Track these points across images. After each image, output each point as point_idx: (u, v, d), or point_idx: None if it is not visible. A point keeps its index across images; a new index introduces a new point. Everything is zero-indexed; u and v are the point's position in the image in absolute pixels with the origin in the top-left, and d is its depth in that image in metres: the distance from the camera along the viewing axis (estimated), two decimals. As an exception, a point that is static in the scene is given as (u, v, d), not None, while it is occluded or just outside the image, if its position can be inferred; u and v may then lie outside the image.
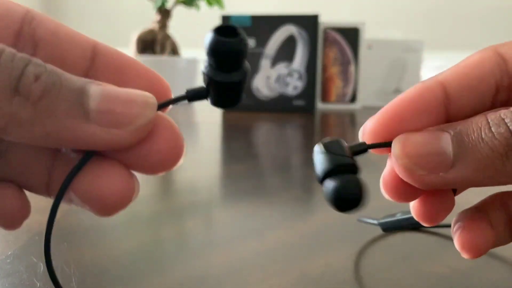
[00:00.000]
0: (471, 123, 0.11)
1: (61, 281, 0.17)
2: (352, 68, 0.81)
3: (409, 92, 0.13)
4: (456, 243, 0.14)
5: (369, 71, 0.86)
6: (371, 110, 0.62)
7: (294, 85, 0.77)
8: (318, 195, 0.28)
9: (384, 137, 0.13)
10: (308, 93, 0.77)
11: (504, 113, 0.11)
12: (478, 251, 0.13)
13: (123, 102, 0.10)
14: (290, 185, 0.31)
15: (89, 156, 0.12)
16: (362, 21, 0.81)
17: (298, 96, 0.77)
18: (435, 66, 1.22)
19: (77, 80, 0.10)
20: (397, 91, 0.86)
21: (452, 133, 0.11)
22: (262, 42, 0.76)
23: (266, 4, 2.46)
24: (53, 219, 0.13)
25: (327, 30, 0.80)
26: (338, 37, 0.80)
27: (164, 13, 0.89)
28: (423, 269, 0.18)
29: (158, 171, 0.12)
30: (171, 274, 0.18)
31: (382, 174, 0.14)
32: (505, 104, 0.12)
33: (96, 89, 0.10)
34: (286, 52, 0.76)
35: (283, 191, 0.29)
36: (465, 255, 0.14)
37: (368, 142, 0.13)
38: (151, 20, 0.90)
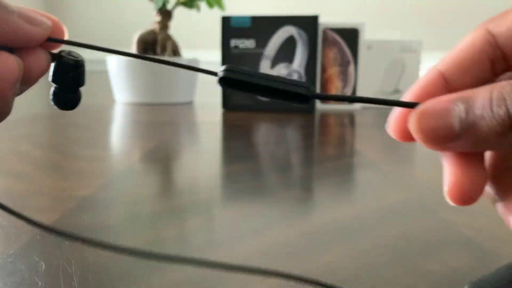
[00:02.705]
0: (479, 98, 0.13)
1: (62, 280, 0.17)
2: (351, 68, 0.81)
3: (413, 89, 0.15)
4: (449, 195, 0.15)
5: (369, 72, 0.86)
6: (371, 111, 0.62)
7: (294, 86, 0.77)
8: (317, 195, 0.28)
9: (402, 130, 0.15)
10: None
11: (506, 90, 0.12)
12: (471, 199, 0.15)
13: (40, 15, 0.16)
14: (290, 184, 0.31)
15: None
16: (361, 22, 0.81)
17: (297, 97, 0.77)
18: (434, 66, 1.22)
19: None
20: (396, 91, 0.86)
21: (461, 108, 0.13)
22: (262, 43, 0.76)
23: (266, 5, 2.46)
24: None
25: (326, 31, 0.80)
26: (338, 37, 0.80)
27: (165, 14, 0.89)
28: (422, 267, 0.18)
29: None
30: (171, 273, 0.18)
31: (390, 119, 0.15)
32: (506, 70, 0.14)
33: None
34: (285, 53, 0.76)
35: (282, 191, 0.29)
36: (458, 204, 0.15)
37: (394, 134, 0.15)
38: (153, 21, 0.90)
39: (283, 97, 0.14)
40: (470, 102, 0.13)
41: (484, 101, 0.12)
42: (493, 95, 0.12)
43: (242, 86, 0.14)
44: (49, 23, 0.16)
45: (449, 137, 0.13)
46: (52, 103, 0.16)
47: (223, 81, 0.14)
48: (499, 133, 0.12)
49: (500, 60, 0.14)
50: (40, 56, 0.16)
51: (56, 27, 0.16)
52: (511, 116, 0.12)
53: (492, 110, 0.12)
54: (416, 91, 0.15)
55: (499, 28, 0.14)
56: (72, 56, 0.16)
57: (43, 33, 0.16)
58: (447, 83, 0.14)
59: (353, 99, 0.14)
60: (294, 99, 0.14)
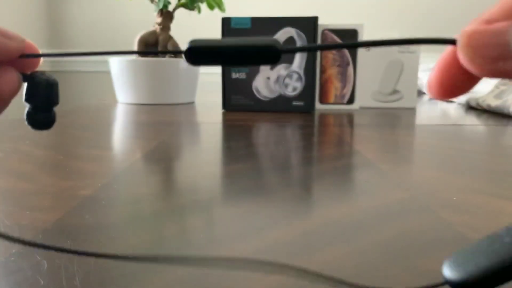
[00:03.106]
0: None
1: (64, 279, 0.17)
2: (350, 69, 0.81)
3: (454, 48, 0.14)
4: None
5: (367, 72, 0.86)
6: (369, 111, 0.63)
7: (294, 86, 0.77)
8: (317, 194, 0.29)
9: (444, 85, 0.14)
10: (307, 94, 0.77)
11: None
12: None
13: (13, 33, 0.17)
14: (290, 184, 0.31)
15: None
16: (360, 23, 0.82)
17: (297, 97, 0.77)
18: (431, 68, 1.22)
19: None
20: (395, 92, 0.86)
21: None
22: (262, 43, 0.76)
23: (266, 7, 2.46)
24: None
25: (325, 32, 0.80)
26: (337, 39, 0.80)
27: (166, 15, 0.89)
28: (420, 266, 0.18)
29: None
30: (173, 271, 0.18)
31: (431, 74, 0.14)
32: None
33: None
34: (285, 53, 0.76)
35: (282, 190, 0.29)
36: None
37: (432, 93, 0.14)
38: (154, 22, 0.91)
39: (253, 59, 0.13)
40: None
41: None
42: None
43: (211, 55, 0.13)
44: (23, 38, 0.16)
45: (501, 55, 0.12)
46: (26, 123, 0.17)
47: (190, 54, 0.13)
48: None
49: None
50: (11, 76, 0.16)
51: (30, 48, 0.17)
52: None
53: None
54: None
55: None
56: (45, 75, 0.17)
57: (19, 47, 0.16)
58: None
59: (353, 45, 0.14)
60: (264, 58, 0.13)
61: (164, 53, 0.14)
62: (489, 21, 0.14)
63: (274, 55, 0.13)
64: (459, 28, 2.50)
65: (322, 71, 0.82)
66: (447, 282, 0.13)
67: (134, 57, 0.86)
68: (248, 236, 0.22)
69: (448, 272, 0.13)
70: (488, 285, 0.12)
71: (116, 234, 0.22)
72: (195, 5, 0.87)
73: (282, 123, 0.63)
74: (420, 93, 1.23)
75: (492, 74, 0.13)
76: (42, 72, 0.17)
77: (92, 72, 2.44)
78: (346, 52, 0.81)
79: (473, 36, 0.13)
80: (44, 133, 0.51)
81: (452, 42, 0.13)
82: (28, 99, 0.16)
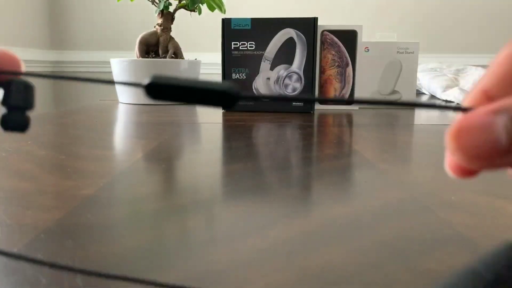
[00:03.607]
0: None
1: (66, 277, 0.17)
2: (349, 70, 0.82)
3: (459, 118, 0.13)
4: None
5: (366, 73, 0.86)
6: (368, 111, 0.63)
7: (293, 87, 0.77)
8: (316, 193, 0.29)
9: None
10: (306, 94, 0.77)
11: None
12: None
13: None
14: (289, 183, 0.31)
15: None
16: (359, 24, 0.82)
17: (297, 98, 0.78)
18: (430, 68, 1.23)
19: None
20: (394, 92, 0.87)
21: (505, 118, 0.11)
22: (262, 44, 0.76)
23: (266, 9, 2.47)
24: None
25: (325, 33, 0.80)
26: (336, 39, 0.80)
27: (167, 16, 0.89)
28: (419, 266, 0.19)
29: None
30: (173, 270, 0.18)
31: (447, 157, 0.14)
32: None
33: None
34: (285, 54, 0.76)
35: (282, 189, 0.30)
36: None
37: (453, 175, 0.14)
38: (155, 23, 0.91)
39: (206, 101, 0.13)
40: None
41: None
42: None
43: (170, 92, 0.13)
44: (2, 50, 0.16)
45: (496, 152, 0.11)
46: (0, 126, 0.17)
47: (150, 89, 0.13)
48: None
49: None
50: None
51: (10, 61, 0.16)
52: None
53: None
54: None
55: None
56: (22, 79, 0.17)
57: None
58: (492, 100, 0.13)
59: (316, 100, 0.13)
60: (219, 102, 0.13)
61: (124, 84, 0.14)
62: (486, 91, 0.13)
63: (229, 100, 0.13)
64: (458, 29, 2.50)
65: (322, 72, 0.82)
66: None
67: (134, 57, 0.87)
68: (248, 235, 0.22)
69: None
70: None
71: (117, 233, 0.22)
72: (196, 6, 0.87)
73: (282, 123, 0.63)
74: (419, 93, 1.23)
75: (495, 169, 0.12)
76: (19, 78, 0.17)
77: (93, 72, 2.45)
78: (345, 52, 0.81)
79: (460, 137, 0.12)
80: (46, 133, 0.52)
81: (466, 110, 0.12)
82: (4, 100, 0.16)
